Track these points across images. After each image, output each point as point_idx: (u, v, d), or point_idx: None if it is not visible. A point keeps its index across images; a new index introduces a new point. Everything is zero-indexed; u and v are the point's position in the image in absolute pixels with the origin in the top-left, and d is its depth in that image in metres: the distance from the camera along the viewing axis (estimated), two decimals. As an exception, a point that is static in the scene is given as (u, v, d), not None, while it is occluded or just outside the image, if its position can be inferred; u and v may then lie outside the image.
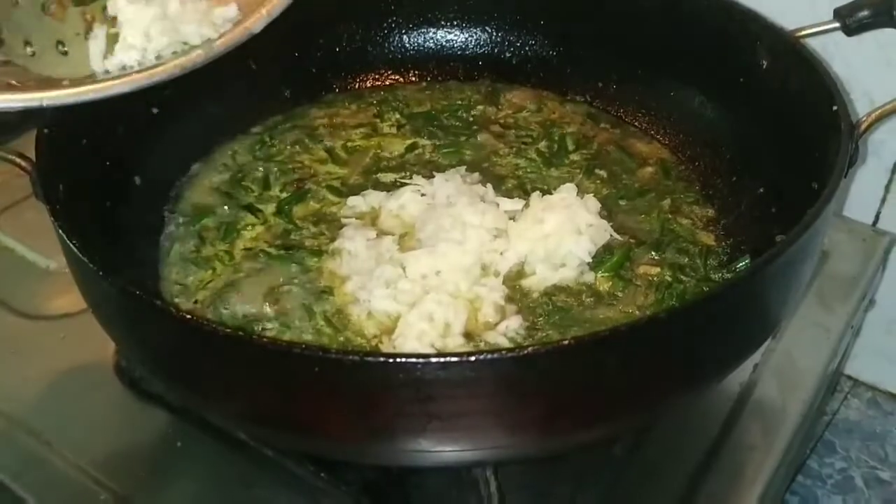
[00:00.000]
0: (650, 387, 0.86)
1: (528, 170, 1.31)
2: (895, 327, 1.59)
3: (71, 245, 0.84)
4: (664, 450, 1.09)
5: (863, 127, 1.01)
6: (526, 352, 0.75)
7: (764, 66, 1.20)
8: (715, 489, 1.05)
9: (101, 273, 0.81)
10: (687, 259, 1.15)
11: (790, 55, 1.15)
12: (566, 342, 0.75)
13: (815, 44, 1.19)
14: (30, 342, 1.22)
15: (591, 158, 1.33)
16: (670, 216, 1.23)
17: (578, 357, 0.77)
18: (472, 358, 0.73)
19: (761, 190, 1.18)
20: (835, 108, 1.01)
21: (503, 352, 0.75)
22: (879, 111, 1.02)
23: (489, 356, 0.73)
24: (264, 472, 1.05)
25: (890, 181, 1.47)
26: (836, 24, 1.19)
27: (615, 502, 1.03)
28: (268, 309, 1.07)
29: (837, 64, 1.37)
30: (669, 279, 1.12)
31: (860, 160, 1.33)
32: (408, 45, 1.52)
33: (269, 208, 1.23)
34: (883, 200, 1.49)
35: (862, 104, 1.39)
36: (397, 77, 1.52)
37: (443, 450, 0.81)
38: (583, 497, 1.03)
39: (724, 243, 1.19)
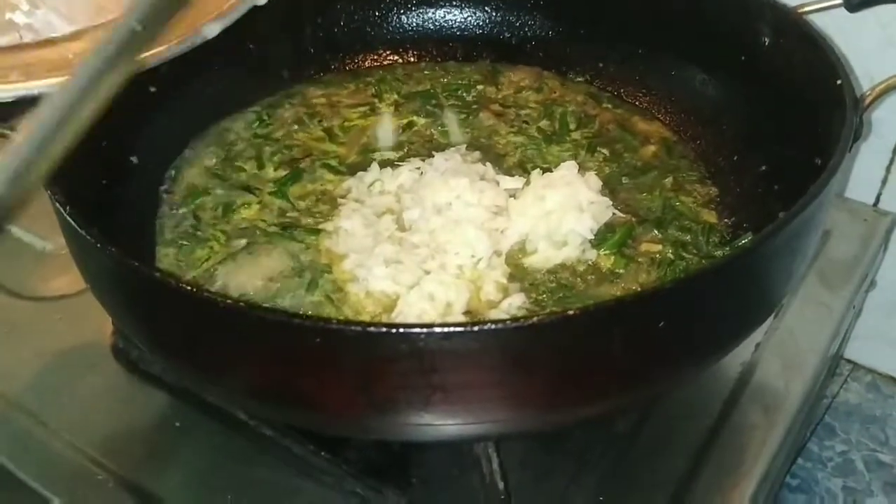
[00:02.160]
0: (653, 360, 0.84)
1: (529, 147, 1.30)
2: (896, 310, 1.59)
3: (66, 216, 0.83)
4: (666, 428, 1.08)
5: (867, 101, 0.99)
6: (530, 322, 0.73)
7: (766, 44, 1.19)
8: (716, 468, 1.04)
9: (98, 244, 0.79)
10: (689, 237, 1.14)
11: (793, 31, 1.13)
12: (570, 312, 0.74)
13: (816, 22, 1.18)
14: (26, 323, 1.21)
15: (593, 137, 1.32)
16: (672, 194, 1.21)
17: (582, 328, 0.76)
18: (476, 328, 0.72)
19: (764, 168, 1.17)
20: (839, 81, 1.00)
21: (507, 322, 0.74)
22: (884, 84, 1.00)
23: (493, 326, 0.72)
24: (264, 452, 1.04)
25: (891, 161, 1.46)
26: (839, 0, 1.18)
27: (617, 480, 1.02)
28: (265, 286, 1.06)
29: (839, 44, 1.35)
30: (672, 256, 1.11)
31: (862, 139, 1.33)
32: (406, 26, 1.51)
33: (266, 187, 1.22)
34: (884, 181, 1.48)
35: (863, 84, 1.38)
36: (396, 57, 1.51)
37: (446, 423, 0.79)
38: (584, 475, 1.02)
39: (726, 221, 1.18)
